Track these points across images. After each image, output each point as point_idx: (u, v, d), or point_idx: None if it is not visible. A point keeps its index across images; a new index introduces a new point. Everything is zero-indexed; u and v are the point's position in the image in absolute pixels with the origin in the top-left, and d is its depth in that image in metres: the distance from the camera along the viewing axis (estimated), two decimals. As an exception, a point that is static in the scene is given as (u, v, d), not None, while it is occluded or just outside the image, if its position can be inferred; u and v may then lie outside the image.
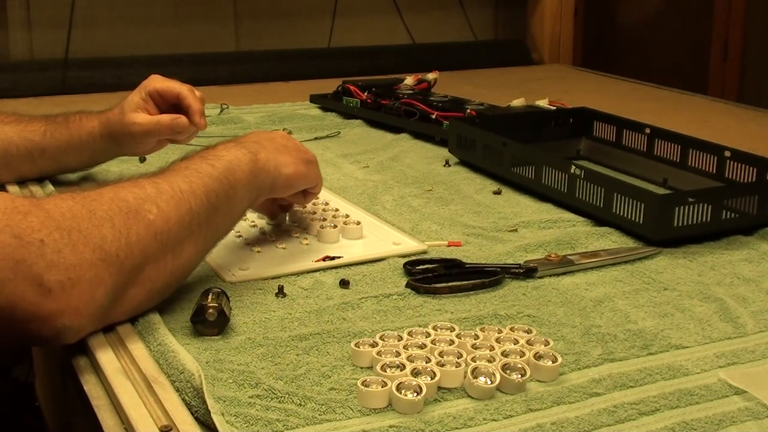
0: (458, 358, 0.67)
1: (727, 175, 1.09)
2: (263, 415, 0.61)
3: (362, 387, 0.63)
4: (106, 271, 0.68)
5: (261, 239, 0.95)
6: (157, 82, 1.07)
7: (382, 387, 0.63)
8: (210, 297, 0.74)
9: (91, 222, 0.68)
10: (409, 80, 1.57)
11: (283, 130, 1.43)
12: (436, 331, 0.72)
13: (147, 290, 0.73)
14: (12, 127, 1.07)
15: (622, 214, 0.96)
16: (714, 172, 1.11)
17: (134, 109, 1.06)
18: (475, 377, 0.65)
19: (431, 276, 0.84)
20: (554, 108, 1.37)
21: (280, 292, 0.81)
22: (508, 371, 0.65)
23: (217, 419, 0.59)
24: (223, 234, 0.82)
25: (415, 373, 0.65)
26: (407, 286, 0.83)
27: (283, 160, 0.87)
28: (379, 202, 1.08)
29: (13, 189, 1.07)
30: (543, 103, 1.40)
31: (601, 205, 0.99)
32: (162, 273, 0.73)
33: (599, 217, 1.00)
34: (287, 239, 0.95)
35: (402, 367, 0.65)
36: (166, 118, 1.05)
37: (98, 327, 0.71)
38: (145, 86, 1.07)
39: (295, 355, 0.70)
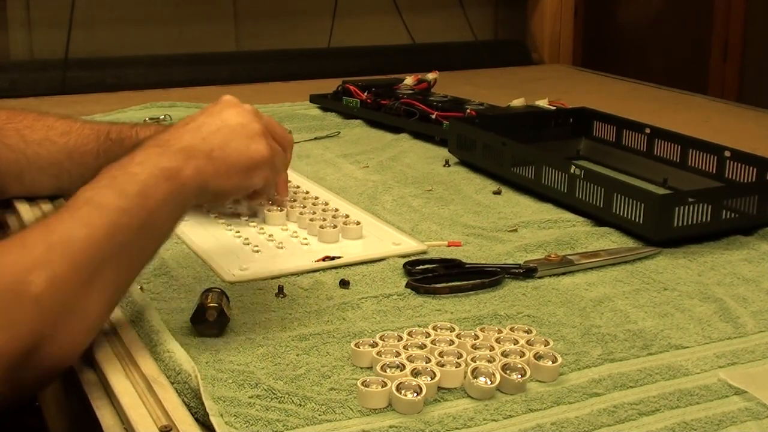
0: (458, 359, 0.67)
1: (727, 175, 1.09)
2: (263, 415, 0.61)
3: (362, 387, 0.63)
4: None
5: (261, 239, 0.95)
6: None
7: (382, 387, 0.63)
8: (210, 297, 0.74)
9: None
10: (409, 80, 1.57)
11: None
12: (436, 331, 0.72)
13: (62, 348, 0.64)
14: (62, 147, 1.00)
15: (622, 214, 0.96)
16: (714, 172, 1.11)
17: None
18: (475, 377, 0.65)
19: (431, 276, 0.84)
20: (554, 108, 1.37)
21: (280, 292, 0.81)
22: (508, 371, 0.65)
23: (215, 420, 0.59)
24: (148, 258, 0.72)
25: (415, 373, 0.65)
26: (407, 286, 0.83)
27: (214, 170, 0.73)
28: (379, 202, 1.08)
29: (22, 206, 1.03)
30: (543, 103, 1.40)
31: (601, 205, 0.99)
32: (69, 335, 0.64)
33: (599, 217, 1.00)
34: (287, 239, 0.95)
35: (402, 367, 0.65)
36: None
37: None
38: None
39: (295, 355, 0.70)
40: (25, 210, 1.02)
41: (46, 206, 1.03)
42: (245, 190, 0.78)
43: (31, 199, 1.05)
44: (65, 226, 0.66)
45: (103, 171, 0.71)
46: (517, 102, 1.41)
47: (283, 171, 0.84)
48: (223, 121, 0.75)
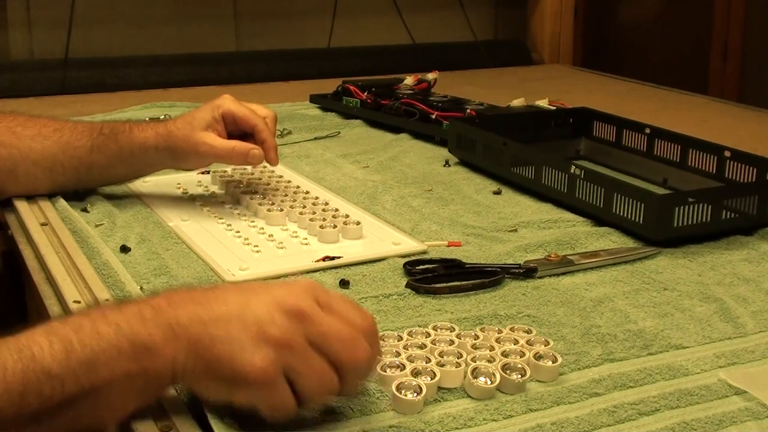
0: (458, 358, 0.67)
1: (727, 175, 1.09)
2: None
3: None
4: None
5: (261, 239, 0.95)
6: (232, 105, 1.01)
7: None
8: (210, 297, 0.73)
9: None
10: (409, 80, 1.57)
11: (283, 130, 1.43)
12: (436, 331, 0.72)
13: None
14: (55, 142, 1.01)
15: (622, 214, 0.96)
16: (714, 172, 1.11)
17: (204, 127, 1.00)
18: (475, 377, 0.65)
19: (431, 276, 0.84)
20: (554, 108, 1.37)
21: (280, 292, 0.81)
22: (508, 371, 0.65)
23: (213, 422, 0.59)
24: None
25: (415, 373, 0.65)
26: (407, 286, 0.83)
27: (191, 365, 0.57)
28: (379, 202, 1.08)
29: (21, 205, 1.03)
30: (543, 103, 1.40)
31: (601, 205, 0.99)
32: None
33: (599, 217, 1.00)
34: (287, 239, 0.95)
35: (402, 367, 0.65)
36: (241, 147, 1.00)
37: None
38: (218, 106, 1.01)
39: (295, 355, 0.70)
40: (24, 208, 1.02)
41: (45, 203, 1.03)
42: (226, 401, 0.58)
43: (31, 197, 1.05)
44: None
45: (84, 311, 0.61)
46: (517, 102, 1.41)
47: (316, 391, 0.58)
48: (243, 309, 0.58)
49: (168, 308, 0.57)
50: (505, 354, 0.68)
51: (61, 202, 1.02)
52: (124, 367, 0.55)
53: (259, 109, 1.05)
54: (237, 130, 1.02)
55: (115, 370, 0.55)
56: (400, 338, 0.71)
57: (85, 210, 1.03)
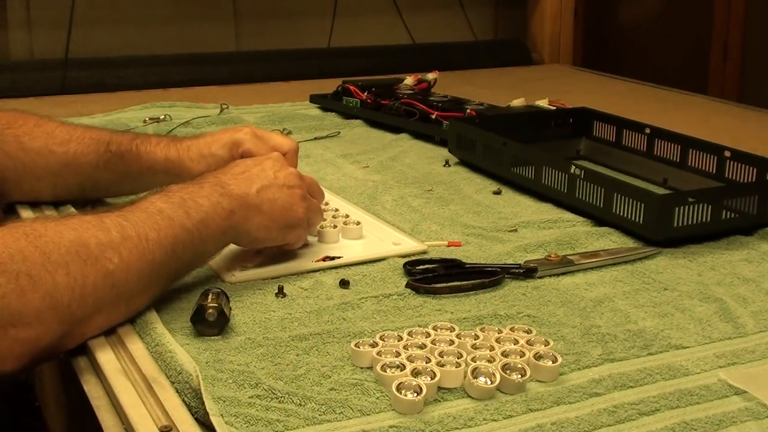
0: (458, 359, 0.67)
1: (727, 175, 1.09)
2: (263, 415, 0.61)
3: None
4: (55, 320, 0.66)
5: (261, 239, 0.95)
6: (252, 145, 0.97)
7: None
8: (210, 297, 0.74)
9: (44, 267, 0.65)
10: (409, 80, 1.57)
11: (283, 130, 1.43)
12: (436, 331, 0.72)
13: (93, 332, 0.72)
14: (60, 156, 1.00)
15: (622, 214, 0.96)
16: (714, 172, 1.11)
17: (219, 165, 0.93)
18: (475, 377, 0.65)
19: (431, 276, 0.84)
20: (554, 108, 1.37)
21: (280, 292, 0.81)
22: (508, 371, 0.65)
23: (215, 421, 0.59)
24: (182, 278, 0.80)
25: (415, 373, 0.65)
26: (407, 286, 0.83)
27: (260, 222, 0.82)
28: (379, 202, 1.08)
29: (25, 213, 1.02)
30: (543, 103, 1.40)
31: (601, 205, 0.99)
32: (112, 321, 0.72)
33: (599, 217, 1.00)
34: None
35: (402, 367, 0.65)
36: None
37: (39, 365, 0.70)
38: (238, 144, 0.98)
39: (295, 355, 0.70)
40: (27, 215, 1.02)
41: (50, 211, 1.03)
42: (280, 243, 0.86)
43: (35, 204, 1.04)
44: (138, 224, 0.73)
45: (173, 189, 0.79)
46: (517, 102, 1.41)
47: (318, 222, 0.93)
48: (275, 180, 0.84)
49: (231, 184, 0.81)
50: (505, 354, 0.68)
51: (70, 210, 1.02)
52: (219, 224, 0.78)
53: (280, 144, 0.99)
54: None
55: (217, 226, 0.78)
56: (400, 338, 0.71)
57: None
